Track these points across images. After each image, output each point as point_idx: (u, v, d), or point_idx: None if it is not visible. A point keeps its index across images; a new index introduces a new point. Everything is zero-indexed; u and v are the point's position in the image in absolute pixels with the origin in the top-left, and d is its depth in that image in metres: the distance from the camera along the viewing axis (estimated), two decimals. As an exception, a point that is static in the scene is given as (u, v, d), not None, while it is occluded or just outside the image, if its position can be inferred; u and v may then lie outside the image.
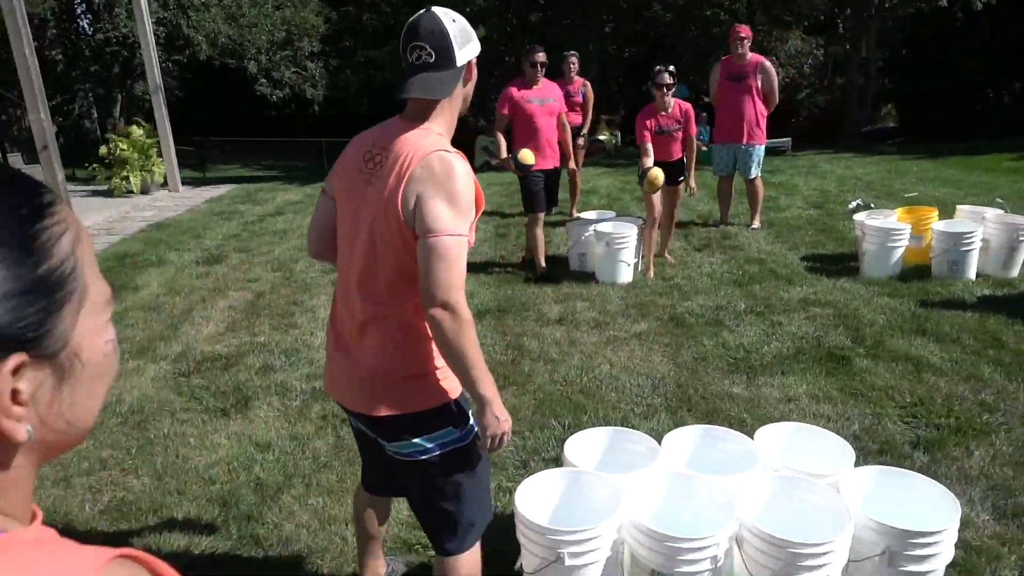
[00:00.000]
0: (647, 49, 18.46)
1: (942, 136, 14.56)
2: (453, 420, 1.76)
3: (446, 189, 1.59)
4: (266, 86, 17.88)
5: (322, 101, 19.21)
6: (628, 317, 4.70)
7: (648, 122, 5.32)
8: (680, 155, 5.54)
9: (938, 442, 3.11)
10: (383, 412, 1.73)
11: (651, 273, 5.49)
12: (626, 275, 5.35)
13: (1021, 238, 5.00)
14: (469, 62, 1.70)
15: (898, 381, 3.67)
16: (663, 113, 5.32)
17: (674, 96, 5.37)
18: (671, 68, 5.26)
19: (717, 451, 2.53)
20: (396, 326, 1.73)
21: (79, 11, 19.09)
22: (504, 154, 5.29)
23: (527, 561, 2.14)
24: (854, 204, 7.17)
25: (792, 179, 9.36)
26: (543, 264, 5.53)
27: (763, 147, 6.60)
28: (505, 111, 5.28)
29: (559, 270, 5.68)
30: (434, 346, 1.70)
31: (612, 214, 6.17)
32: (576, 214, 6.57)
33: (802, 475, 2.27)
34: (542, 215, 5.48)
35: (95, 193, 9.90)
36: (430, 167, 1.60)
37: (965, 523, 2.41)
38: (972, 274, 5.04)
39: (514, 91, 5.27)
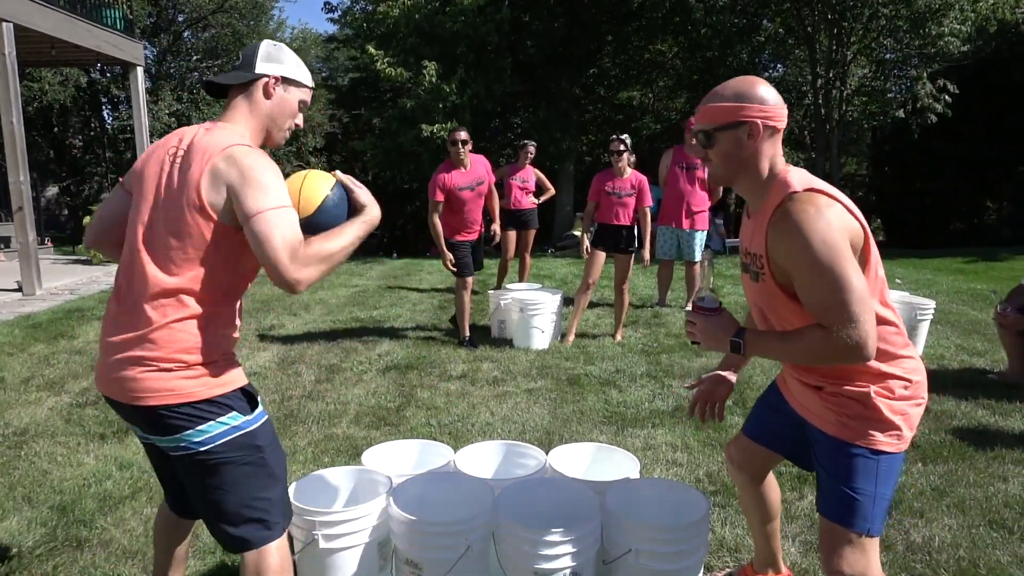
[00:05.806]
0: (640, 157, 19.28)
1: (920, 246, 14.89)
2: None
3: (252, 179, 1.67)
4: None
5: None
6: (528, 377, 4.82)
7: (605, 185, 5.66)
8: (628, 221, 5.69)
9: (775, 487, 3.16)
10: None
11: (570, 339, 5.63)
12: (540, 341, 5.50)
13: (919, 316, 5.14)
14: (271, 76, 1.84)
15: (762, 437, 3.73)
16: (618, 177, 5.65)
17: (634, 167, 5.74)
18: (624, 136, 5.64)
19: (517, 464, 2.62)
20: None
21: (103, 100, 20.40)
22: (444, 248, 5.43)
23: (297, 547, 2.21)
24: None
25: (746, 273, 9.58)
26: (466, 331, 5.69)
27: (705, 232, 6.85)
28: (439, 198, 5.47)
29: (481, 337, 5.84)
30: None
31: (537, 286, 6.39)
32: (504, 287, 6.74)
33: (575, 481, 2.36)
34: (471, 280, 5.68)
35: (77, 261, 10.30)
36: (231, 160, 1.69)
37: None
38: (873, 351, 5.13)
39: (447, 179, 5.46)
